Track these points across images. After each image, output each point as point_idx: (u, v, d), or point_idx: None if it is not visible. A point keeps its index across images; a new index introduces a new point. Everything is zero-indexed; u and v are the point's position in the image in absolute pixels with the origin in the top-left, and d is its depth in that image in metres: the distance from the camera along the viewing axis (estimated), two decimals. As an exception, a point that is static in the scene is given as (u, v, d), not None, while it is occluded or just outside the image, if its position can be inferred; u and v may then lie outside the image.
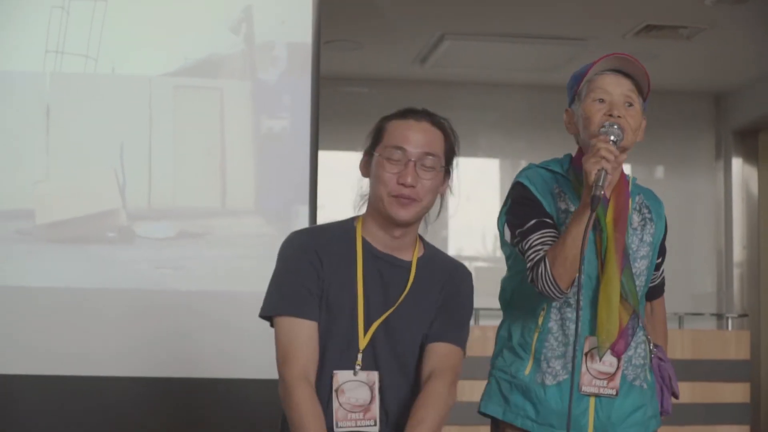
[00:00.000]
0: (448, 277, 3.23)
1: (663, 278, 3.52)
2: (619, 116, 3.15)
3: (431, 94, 8.85)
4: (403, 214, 3.11)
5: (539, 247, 3.15)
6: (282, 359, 3.08)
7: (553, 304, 3.22)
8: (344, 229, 3.21)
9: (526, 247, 3.18)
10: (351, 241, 3.17)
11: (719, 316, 8.81)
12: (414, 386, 3.17)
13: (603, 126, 3.12)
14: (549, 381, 3.20)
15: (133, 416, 5.29)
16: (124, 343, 5.27)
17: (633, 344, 3.26)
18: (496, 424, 3.34)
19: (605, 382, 3.22)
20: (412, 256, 3.20)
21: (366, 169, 3.20)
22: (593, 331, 3.20)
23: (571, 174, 3.31)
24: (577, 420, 3.21)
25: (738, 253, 8.82)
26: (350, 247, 3.16)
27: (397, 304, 3.13)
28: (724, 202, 8.97)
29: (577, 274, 3.10)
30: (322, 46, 5.69)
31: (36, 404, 5.22)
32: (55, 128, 5.40)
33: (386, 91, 8.04)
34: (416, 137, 3.15)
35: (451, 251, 8.56)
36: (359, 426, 3.09)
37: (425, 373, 3.16)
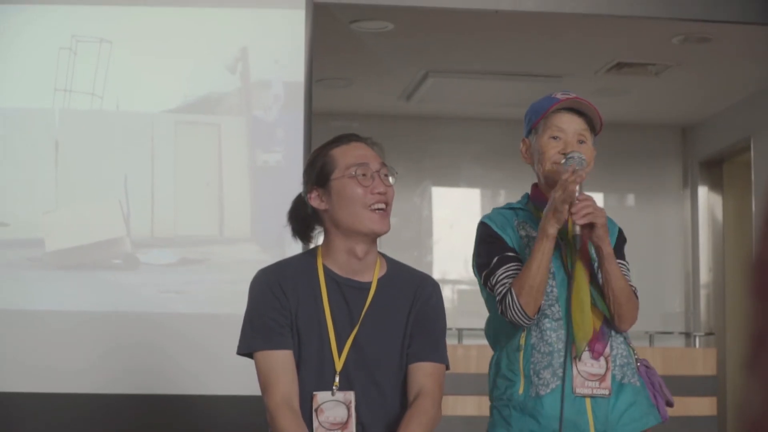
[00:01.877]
0: (416, 293, 3.25)
1: None
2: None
3: (416, 129, 8.88)
4: (384, 226, 3.16)
5: (505, 281, 3.22)
6: (263, 390, 3.14)
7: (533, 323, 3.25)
8: (305, 260, 3.25)
9: (494, 282, 3.25)
10: (313, 271, 3.20)
11: (687, 335, 8.83)
12: (389, 399, 3.20)
13: (566, 157, 3.21)
14: (543, 391, 3.23)
15: (138, 432, 5.30)
16: (130, 362, 5.27)
17: (615, 346, 3.29)
18: None
19: (597, 382, 3.24)
20: (373, 276, 3.22)
21: (320, 201, 3.20)
22: (573, 337, 3.23)
23: (530, 205, 3.39)
24: (575, 423, 3.23)
25: (704, 275, 8.84)
26: (312, 276, 3.19)
27: (358, 326, 3.16)
28: (691, 228, 8.99)
29: (567, 291, 3.18)
30: (313, 84, 5.72)
31: (47, 421, 5.22)
32: (64, 162, 5.41)
33: (374, 126, 8.05)
34: (368, 153, 3.21)
35: (436, 275, 8.56)
36: None
37: (412, 392, 3.19)
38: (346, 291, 3.18)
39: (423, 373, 3.20)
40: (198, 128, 5.57)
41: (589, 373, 3.23)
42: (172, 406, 5.29)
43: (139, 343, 5.29)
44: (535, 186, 3.38)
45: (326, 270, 3.19)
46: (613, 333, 3.29)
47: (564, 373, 3.19)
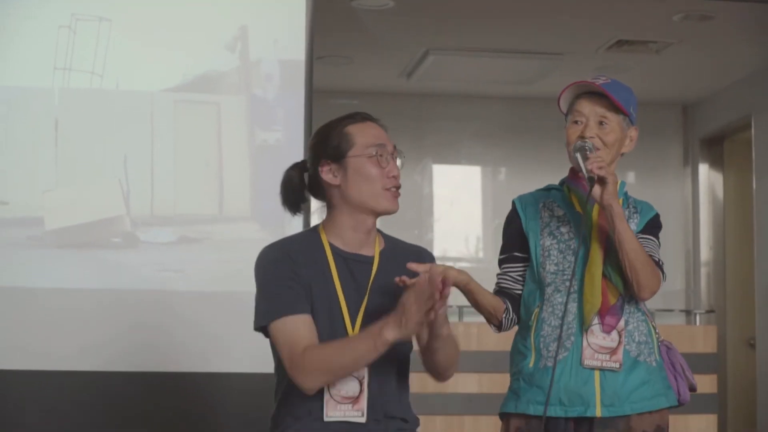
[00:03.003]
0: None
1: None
2: (591, 137, 3.35)
3: (417, 106, 8.87)
4: (396, 205, 3.20)
5: (499, 282, 3.49)
6: (288, 357, 3.04)
7: (546, 298, 3.32)
8: (309, 238, 3.21)
9: (498, 273, 3.50)
10: (319, 248, 3.17)
11: (688, 312, 8.83)
12: (399, 371, 3.20)
13: (574, 147, 3.32)
14: (550, 363, 3.25)
15: (139, 409, 5.30)
16: (129, 340, 5.28)
17: (633, 322, 3.30)
18: (507, 421, 3.39)
19: (608, 355, 3.26)
20: (374, 250, 3.22)
21: (333, 176, 3.17)
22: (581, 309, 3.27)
23: (565, 186, 3.48)
24: (579, 394, 3.25)
25: (705, 253, 8.84)
26: (319, 252, 3.16)
27: (366, 296, 3.14)
28: (692, 206, 8.99)
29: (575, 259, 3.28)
30: (314, 62, 5.70)
31: (46, 399, 5.23)
32: (63, 140, 5.40)
33: (374, 104, 8.02)
34: (382, 135, 3.22)
35: (437, 253, 8.53)
36: (347, 417, 3.09)
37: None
38: (352, 265, 3.17)
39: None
40: (197, 107, 5.55)
41: (600, 346, 3.25)
42: (170, 384, 5.30)
43: (138, 322, 5.29)
44: (571, 168, 3.45)
45: (331, 246, 3.18)
46: (632, 309, 3.32)
47: (559, 345, 3.23)
